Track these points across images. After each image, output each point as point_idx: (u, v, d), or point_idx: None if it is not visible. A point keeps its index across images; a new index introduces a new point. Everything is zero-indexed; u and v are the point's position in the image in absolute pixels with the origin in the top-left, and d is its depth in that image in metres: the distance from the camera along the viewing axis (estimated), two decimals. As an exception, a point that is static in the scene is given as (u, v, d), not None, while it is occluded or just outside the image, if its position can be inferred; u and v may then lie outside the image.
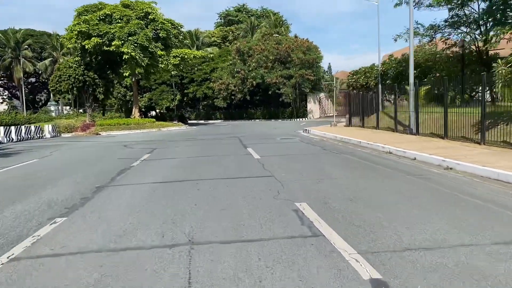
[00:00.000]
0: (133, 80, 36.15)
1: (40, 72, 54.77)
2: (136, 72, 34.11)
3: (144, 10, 31.97)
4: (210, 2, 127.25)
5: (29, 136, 23.57)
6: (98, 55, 31.95)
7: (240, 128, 29.26)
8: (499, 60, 11.70)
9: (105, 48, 29.85)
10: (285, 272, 3.30)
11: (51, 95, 51.62)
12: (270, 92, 42.91)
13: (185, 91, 51.30)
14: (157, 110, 55.29)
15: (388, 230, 4.28)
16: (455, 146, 10.72)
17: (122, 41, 29.47)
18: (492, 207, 5.15)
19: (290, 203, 5.56)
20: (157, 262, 3.61)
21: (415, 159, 9.55)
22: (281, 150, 12.65)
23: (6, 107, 56.20)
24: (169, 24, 32.90)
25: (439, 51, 25.07)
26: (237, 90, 44.29)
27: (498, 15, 17.62)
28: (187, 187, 7.05)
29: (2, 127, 22.25)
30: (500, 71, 11.15)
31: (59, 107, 56.68)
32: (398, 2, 22.91)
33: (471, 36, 20.83)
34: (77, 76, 30.86)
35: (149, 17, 32.08)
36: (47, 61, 52.93)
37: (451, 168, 8.08)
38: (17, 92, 57.17)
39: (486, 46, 20.41)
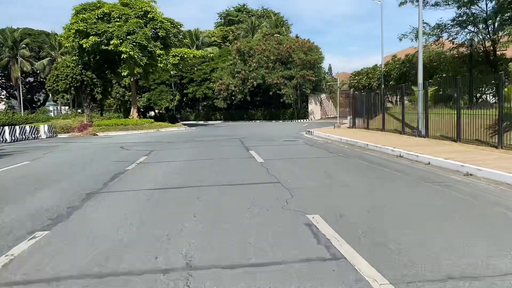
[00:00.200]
0: (131, 80, 35.51)
1: (38, 71, 54.14)
2: (135, 72, 33.50)
3: (143, 8, 31.33)
4: (210, 3, 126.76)
5: (24, 136, 22.91)
6: (96, 54, 31.31)
7: (240, 129, 28.64)
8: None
9: (103, 47, 29.21)
10: (304, 310, 2.68)
11: (50, 95, 50.99)
12: (271, 93, 42.29)
13: (185, 91, 50.68)
14: (156, 111, 54.67)
15: (421, 252, 3.65)
16: (470, 150, 10.11)
17: (121, 40, 28.85)
18: (531, 221, 4.54)
19: (301, 215, 4.94)
20: (147, 294, 2.99)
21: (429, 163, 8.93)
22: (285, 153, 12.02)
23: (3, 107, 55.55)
24: (169, 23, 32.27)
25: (445, 51, 24.51)
26: (238, 90, 43.68)
27: (509, 14, 17.04)
28: (185, 195, 6.42)
29: (-4, 127, 21.64)
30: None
31: (58, 107, 56.08)
32: (403, 0, 22.36)
33: (479, 36, 20.25)
34: (74, 76, 30.25)
35: (148, 15, 31.43)
36: (45, 61, 52.29)
37: (471, 174, 7.46)
38: (15, 92, 56.49)
39: (495, 46, 19.85)
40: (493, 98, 22.54)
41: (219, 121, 49.36)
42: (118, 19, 30.14)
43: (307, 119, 43.38)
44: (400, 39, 21.88)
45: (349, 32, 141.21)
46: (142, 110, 50.48)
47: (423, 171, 8.14)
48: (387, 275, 3.14)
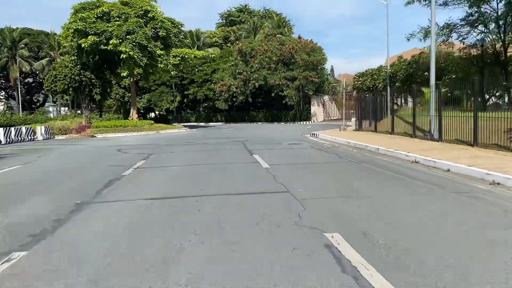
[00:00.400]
0: (131, 80, 34.88)
1: (37, 72, 53.55)
2: (135, 72, 32.89)
3: (144, 8, 30.74)
4: (211, 4, 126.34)
5: (19, 138, 22.27)
6: (95, 55, 30.71)
7: (242, 131, 27.98)
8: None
9: (102, 47, 28.61)
10: None
11: (50, 96, 50.44)
12: (272, 94, 41.64)
13: (185, 92, 50.08)
14: (157, 112, 54.10)
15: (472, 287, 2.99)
16: (490, 156, 9.45)
17: (120, 40, 28.26)
18: None
19: (319, 234, 4.28)
20: None
21: (448, 170, 8.27)
22: (291, 158, 11.37)
23: (2, 108, 54.98)
24: (169, 23, 31.66)
25: (452, 52, 23.88)
26: (239, 91, 43.05)
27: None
28: (185, 206, 5.77)
29: (-9, 129, 21.00)
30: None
31: (57, 108, 55.53)
32: (410, 0, 21.75)
33: (489, 36, 19.60)
34: (73, 76, 29.65)
35: (149, 15, 30.84)
36: (44, 61, 51.72)
37: (498, 183, 6.80)
38: (14, 93, 55.93)
39: (506, 47, 19.20)
40: (498, 100, 21.92)
41: (220, 123, 48.73)
42: (117, 19, 29.56)
43: (310, 121, 42.73)
44: (408, 39, 21.25)
45: (350, 34, 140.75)
46: (142, 111, 49.90)
47: (444, 179, 7.48)
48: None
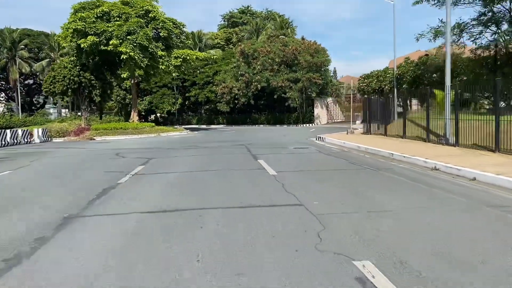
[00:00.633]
0: (132, 82, 34.20)
1: (37, 73, 52.99)
2: (136, 73, 32.25)
3: (145, 8, 30.06)
4: (213, 7, 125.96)
5: (15, 141, 21.57)
6: (94, 55, 30.06)
7: (245, 134, 27.27)
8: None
9: (102, 47, 27.93)
10: None
11: (51, 97, 49.84)
12: (275, 96, 40.88)
13: (187, 94, 49.44)
14: (158, 114, 53.50)
15: None
16: (516, 162, 8.71)
17: (120, 40, 27.59)
18: None
19: (346, 262, 3.56)
20: None
21: (474, 179, 7.54)
22: (300, 164, 10.64)
23: (1, 109, 54.45)
24: (171, 23, 30.97)
25: (461, 53, 23.15)
26: (241, 94, 42.32)
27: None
28: (186, 222, 5.05)
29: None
30: None
31: (58, 110, 54.99)
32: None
33: (503, 37, 18.85)
34: (72, 77, 29.02)
35: (150, 15, 30.15)
36: (44, 62, 51.15)
37: (536, 195, 6.07)
38: (14, 94, 55.38)
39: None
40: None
41: (221, 125, 48.04)
42: (118, 18, 28.91)
43: (313, 124, 41.97)
44: (417, 39, 20.54)
45: (351, 36, 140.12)
46: (143, 113, 49.34)
47: (473, 189, 6.75)
48: None
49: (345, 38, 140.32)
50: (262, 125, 44.29)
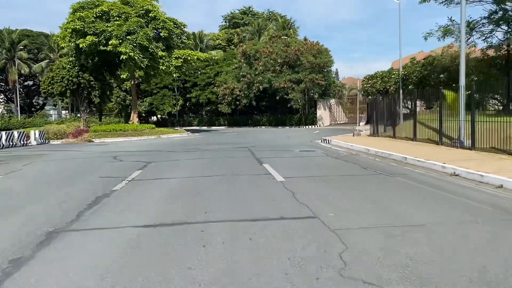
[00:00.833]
0: (132, 83, 33.62)
1: (36, 74, 52.47)
2: (136, 74, 31.68)
3: (145, 7, 29.49)
4: (214, 8, 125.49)
5: (11, 143, 20.96)
6: (94, 56, 29.50)
7: (247, 136, 26.64)
8: None
9: (101, 47, 27.39)
10: None
11: (50, 98, 49.28)
12: (277, 98, 40.28)
13: (188, 95, 48.85)
14: (158, 116, 52.92)
15: None
16: (543, 168, 8.08)
17: (120, 40, 27.03)
18: None
19: (380, 295, 2.93)
20: None
21: (501, 186, 6.91)
22: (308, 168, 10.01)
23: (0, 111, 53.95)
24: (171, 23, 30.41)
25: (469, 53, 22.51)
26: (243, 95, 41.73)
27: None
28: (186, 240, 4.42)
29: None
30: None
31: (58, 111, 54.49)
32: (425, -2, 20.48)
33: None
34: (70, 78, 28.48)
35: (150, 15, 29.59)
36: (43, 63, 50.62)
37: None
38: (13, 96, 54.86)
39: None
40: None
41: (223, 127, 47.44)
42: (117, 18, 28.36)
43: (316, 125, 41.35)
44: (426, 38, 19.94)
45: (352, 38, 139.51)
46: (144, 115, 48.73)
47: (504, 199, 6.11)
48: None
49: (346, 40, 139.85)
50: (264, 127, 43.69)
